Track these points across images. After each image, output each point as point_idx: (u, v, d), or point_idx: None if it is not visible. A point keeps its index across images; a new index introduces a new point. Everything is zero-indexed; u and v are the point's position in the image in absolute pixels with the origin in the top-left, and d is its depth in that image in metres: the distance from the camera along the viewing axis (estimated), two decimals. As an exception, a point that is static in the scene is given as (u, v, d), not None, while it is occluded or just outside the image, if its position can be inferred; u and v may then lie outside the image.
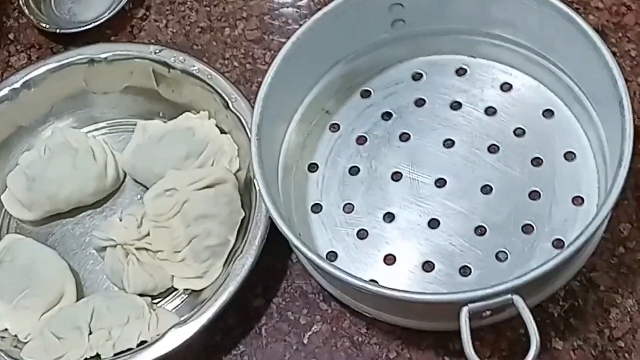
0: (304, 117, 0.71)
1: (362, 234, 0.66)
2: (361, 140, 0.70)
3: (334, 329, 0.65)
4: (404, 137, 0.69)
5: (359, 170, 0.69)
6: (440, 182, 0.67)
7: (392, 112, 0.71)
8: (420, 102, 0.71)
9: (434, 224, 0.65)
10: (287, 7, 0.81)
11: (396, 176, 0.68)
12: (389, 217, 0.66)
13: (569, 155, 0.66)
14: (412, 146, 0.69)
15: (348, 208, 0.67)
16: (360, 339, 0.65)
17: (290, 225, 0.60)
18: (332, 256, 0.66)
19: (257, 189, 0.61)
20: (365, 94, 0.72)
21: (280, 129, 0.69)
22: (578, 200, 0.64)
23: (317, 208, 0.68)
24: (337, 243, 0.66)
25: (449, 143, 0.68)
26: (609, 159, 0.62)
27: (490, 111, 0.69)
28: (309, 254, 0.57)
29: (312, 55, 0.67)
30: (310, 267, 0.66)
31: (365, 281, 0.57)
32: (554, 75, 0.67)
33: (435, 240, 0.65)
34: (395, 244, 0.65)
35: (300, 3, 0.81)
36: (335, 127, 0.71)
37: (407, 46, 0.72)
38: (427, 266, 0.64)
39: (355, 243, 0.66)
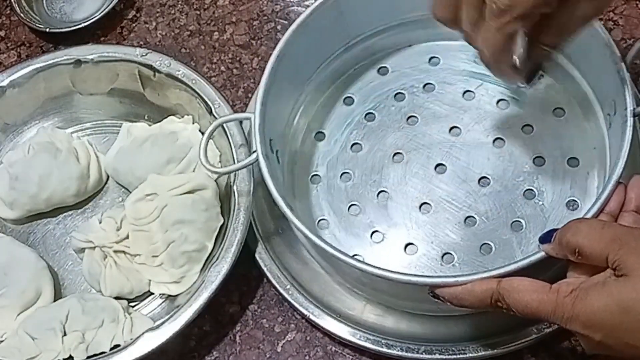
0: (319, 86, 0.71)
1: (354, 210, 0.67)
2: (370, 117, 0.71)
3: (308, 338, 0.66)
4: (412, 120, 0.70)
5: (362, 146, 0.70)
6: (440, 169, 0.67)
7: (405, 93, 0.71)
8: (431, 87, 0.71)
9: (426, 208, 0.66)
10: (277, 13, 0.81)
11: (397, 157, 0.68)
12: (384, 195, 0.67)
13: (572, 162, 0.66)
14: (417, 130, 0.69)
15: (346, 181, 0.68)
16: (333, 349, 0.65)
17: (281, 189, 0.61)
18: (322, 225, 0.67)
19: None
20: (383, 71, 0.73)
21: (291, 96, 0.69)
22: (572, 204, 0.65)
23: (316, 179, 0.69)
24: (330, 214, 0.67)
25: (456, 131, 0.69)
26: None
27: (503, 104, 0.69)
28: (291, 216, 0.58)
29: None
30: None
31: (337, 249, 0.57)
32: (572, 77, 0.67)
33: (424, 225, 0.65)
34: (385, 222, 0.66)
35: (290, 9, 0.81)
36: (348, 101, 0.72)
37: (424, 29, 0.72)
38: (411, 249, 0.65)
39: (347, 216, 0.67)
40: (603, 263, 0.49)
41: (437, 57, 0.73)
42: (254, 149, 0.62)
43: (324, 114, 0.72)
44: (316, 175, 0.69)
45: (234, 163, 0.68)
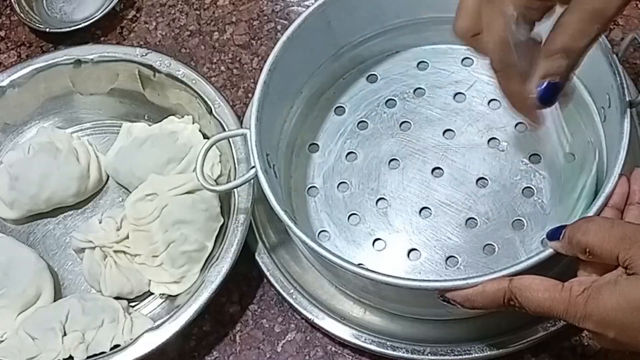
0: (309, 98, 0.71)
1: (354, 219, 0.67)
2: (362, 125, 0.71)
3: (308, 338, 0.66)
4: (405, 126, 0.70)
5: (356, 155, 0.69)
6: (437, 172, 0.67)
7: (396, 99, 0.71)
8: (421, 92, 0.71)
9: (426, 212, 0.66)
10: (277, 13, 0.81)
11: (393, 164, 0.68)
12: (383, 202, 0.67)
13: (568, 157, 0.66)
14: (411, 135, 0.69)
15: (343, 191, 0.68)
16: (333, 349, 0.65)
17: (281, 203, 0.61)
18: (323, 237, 0.66)
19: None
20: (372, 79, 0.73)
21: (283, 110, 0.69)
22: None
23: (313, 191, 0.69)
24: (330, 225, 0.67)
25: (450, 134, 0.69)
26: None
27: (494, 104, 0.69)
28: (296, 231, 0.58)
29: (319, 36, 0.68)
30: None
31: (344, 259, 0.57)
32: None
33: (425, 229, 0.65)
34: (386, 230, 0.66)
35: (290, 9, 0.81)
36: (339, 111, 0.72)
37: (410, 35, 0.72)
38: (414, 254, 0.64)
39: (347, 226, 0.66)
40: (614, 262, 0.49)
41: (425, 62, 0.72)
42: (252, 164, 0.62)
43: (316, 125, 0.72)
44: (313, 187, 0.69)
45: (234, 163, 0.68)
